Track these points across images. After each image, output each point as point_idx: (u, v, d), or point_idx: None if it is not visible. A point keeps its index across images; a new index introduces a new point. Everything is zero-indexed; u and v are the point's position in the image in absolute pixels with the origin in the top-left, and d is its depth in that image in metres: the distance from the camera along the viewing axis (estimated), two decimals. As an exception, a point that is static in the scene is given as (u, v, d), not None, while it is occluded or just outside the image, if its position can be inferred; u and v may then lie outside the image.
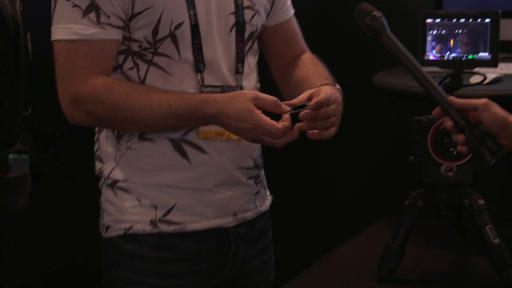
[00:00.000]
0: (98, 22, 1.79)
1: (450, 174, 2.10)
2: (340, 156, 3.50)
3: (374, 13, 1.75)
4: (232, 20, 1.90)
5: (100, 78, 1.80)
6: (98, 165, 1.96)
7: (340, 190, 3.53)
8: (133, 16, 1.81)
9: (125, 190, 1.90)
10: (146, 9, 1.80)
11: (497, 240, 2.06)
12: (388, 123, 3.39)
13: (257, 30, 1.97)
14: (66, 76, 1.80)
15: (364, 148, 3.47)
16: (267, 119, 1.75)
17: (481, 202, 2.12)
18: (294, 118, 1.79)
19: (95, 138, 1.98)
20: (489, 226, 2.09)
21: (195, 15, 1.83)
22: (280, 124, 1.75)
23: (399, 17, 3.06)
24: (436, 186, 2.12)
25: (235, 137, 1.89)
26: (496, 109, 1.72)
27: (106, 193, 1.94)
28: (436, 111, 1.78)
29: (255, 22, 1.95)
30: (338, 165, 3.51)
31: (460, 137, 1.75)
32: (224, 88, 1.89)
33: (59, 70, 1.81)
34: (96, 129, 1.97)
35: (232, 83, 1.91)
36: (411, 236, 2.12)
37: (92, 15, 1.79)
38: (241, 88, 1.92)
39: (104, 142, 1.93)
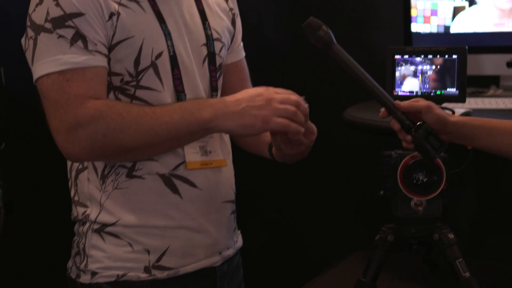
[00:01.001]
0: (87, 49, 1.75)
1: (420, 208, 2.12)
2: (312, 190, 3.51)
3: (323, 27, 1.80)
4: (204, 51, 1.92)
5: (99, 100, 1.74)
6: (79, 210, 1.88)
7: (311, 225, 3.52)
8: (113, 46, 1.79)
9: (115, 235, 1.85)
10: (127, 38, 1.79)
11: (467, 274, 2.07)
12: (358, 157, 3.41)
13: (222, 63, 1.99)
14: (61, 108, 1.71)
15: (335, 182, 3.49)
16: None
17: (451, 236, 2.13)
18: None
19: (70, 183, 1.91)
20: (459, 259, 2.11)
21: (173, 45, 1.84)
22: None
23: (368, 53, 3.08)
24: (406, 221, 2.13)
25: (220, 164, 1.90)
26: (438, 110, 1.85)
27: (93, 239, 1.86)
28: (383, 112, 1.87)
29: (222, 54, 1.97)
30: (310, 199, 3.51)
31: (407, 137, 1.85)
32: None
33: (51, 105, 1.72)
34: (72, 172, 1.91)
35: None
36: (382, 270, 2.13)
37: (80, 43, 1.73)
38: None
39: (85, 185, 1.87)
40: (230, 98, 1.74)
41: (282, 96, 1.74)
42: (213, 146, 1.91)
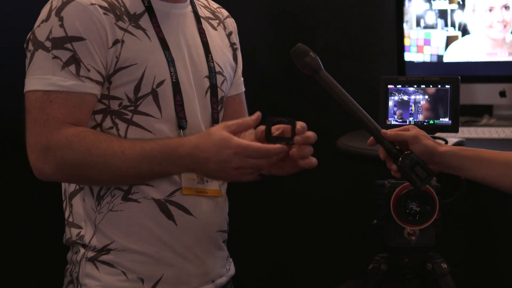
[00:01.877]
0: (77, 75, 1.75)
1: (413, 238, 2.11)
2: (305, 218, 3.50)
3: (311, 53, 1.80)
4: (206, 83, 1.93)
5: (73, 127, 1.76)
6: (73, 231, 1.87)
7: (304, 253, 3.52)
8: (116, 71, 1.80)
9: (109, 264, 1.84)
10: (130, 65, 1.80)
11: (460, 304, 2.07)
12: (351, 186, 3.40)
13: (224, 96, 2.00)
14: (39, 127, 1.73)
15: (328, 211, 3.48)
16: (248, 141, 1.71)
17: (444, 265, 2.14)
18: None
19: (65, 204, 1.91)
20: (452, 289, 2.11)
21: (176, 72, 1.84)
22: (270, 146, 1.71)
23: (362, 82, 3.09)
24: (399, 250, 2.14)
25: (215, 194, 1.90)
26: (426, 141, 1.81)
27: (87, 268, 1.85)
28: (370, 141, 1.85)
29: (224, 87, 1.98)
30: (303, 228, 3.51)
31: (392, 166, 1.83)
32: None
33: (31, 121, 1.74)
34: (67, 193, 1.91)
35: None
36: (375, 300, 2.12)
37: (72, 68, 1.74)
38: None
39: (80, 205, 1.86)
40: (201, 154, 1.69)
41: (251, 163, 1.69)
42: None
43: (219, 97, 1.95)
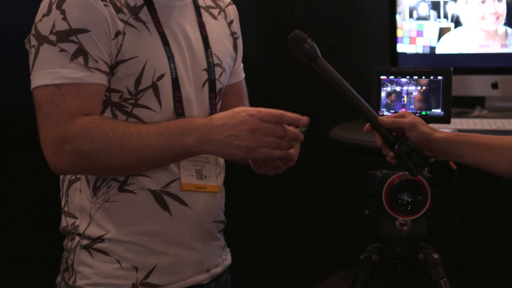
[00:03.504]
0: (87, 66, 1.74)
1: (405, 228, 2.12)
2: (298, 209, 3.52)
3: (308, 40, 1.79)
4: (204, 76, 1.92)
5: (88, 116, 1.74)
6: (69, 220, 1.88)
7: (297, 244, 3.52)
8: (117, 63, 1.80)
9: (103, 252, 1.84)
10: (131, 58, 1.80)
11: (451, 294, 2.08)
12: (344, 177, 3.40)
13: (223, 88, 2.00)
14: (52, 121, 1.72)
15: (320, 201, 3.49)
16: None
17: (436, 256, 2.14)
18: None
19: (61, 193, 1.91)
20: (443, 279, 2.11)
21: (175, 68, 1.84)
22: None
23: (354, 73, 3.09)
24: (391, 240, 2.14)
25: (213, 189, 1.91)
26: (422, 128, 1.82)
27: (81, 255, 1.86)
28: (367, 127, 1.86)
29: (222, 79, 1.98)
30: (296, 218, 3.51)
31: (389, 153, 1.84)
32: None
33: (43, 117, 1.73)
34: (64, 183, 1.91)
35: None
36: (367, 290, 2.13)
37: (80, 59, 1.74)
38: None
39: (76, 196, 1.87)
40: (216, 122, 1.73)
41: (267, 127, 1.72)
42: (209, 171, 1.91)
43: (217, 89, 1.95)
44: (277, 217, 3.54)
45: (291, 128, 1.75)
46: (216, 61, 1.95)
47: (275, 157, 1.76)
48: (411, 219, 2.12)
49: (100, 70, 1.77)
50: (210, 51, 1.93)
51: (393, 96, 2.05)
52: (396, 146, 1.82)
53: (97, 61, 1.76)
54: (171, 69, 1.84)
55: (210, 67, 1.92)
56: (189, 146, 1.74)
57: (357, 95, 1.81)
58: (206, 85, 1.92)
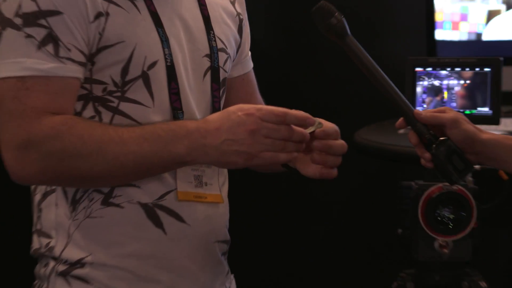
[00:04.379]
0: (57, 55, 1.72)
1: (446, 251, 2.13)
2: (317, 227, 3.52)
3: (336, 14, 1.79)
4: (206, 63, 1.92)
5: (58, 116, 1.71)
6: (42, 241, 1.86)
7: (316, 267, 3.53)
8: (99, 50, 1.79)
9: (83, 279, 1.83)
10: (117, 43, 1.80)
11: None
12: (372, 188, 3.41)
13: (226, 77, 1.99)
14: (15, 120, 1.70)
15: (343, 218, 3.49)
16: None
17: (483, 284, 2.14)
18: None
19: (33, 207, 1.89)
20: (492, 312, 2.12)
21: (171, 54, 1.84)
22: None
23: (384, 65, 3.09)
24: (429, 265, 2.15)
25: (215, 199, 1.91)
26: (466, 125, 1.81)
27: (57, 284, 1.83)
28: (400, 122, 1.85)
29: (227, 67, 1.97)
30: (314, 237, 3.53)
31: (425, 153, 1.82)
32: None
33: (4, 115, 1.71)
34: (36, 195, 1.89)
35: None
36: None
37: (50, 47, 1.72)
38: None
39: (52, 210, 1.85)
40: (210, 125, 1.74)
41: (269, 127, 1.72)
42: (211, 177, 1.91)
43: (221, 79, 1.96)
44: (290, 236, 3.55)
45: (298, 128, 1.75)
46: (220, 45, 1.95)
47: (282, 162, 1.76)
48: (453, 239, 2.13)
49: (73, 61, 1.76)
50: (213, 33, 1.94)
51: (431, 92, 2.06)
52: (434, 146, 1.81)
53: (70, 50, 1.75)
54: (165, 55, 1.84)
55: (213, 53, 1.93)
56: (179, 155, 1.75)
57: (391, 83, 1.82)
58: (208, 74, 1.92)
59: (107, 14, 1.78)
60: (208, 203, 1.90)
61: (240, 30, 2.03)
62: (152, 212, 1.85)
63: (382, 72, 1.81)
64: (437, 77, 2.06)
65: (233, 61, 2.01)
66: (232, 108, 1.74)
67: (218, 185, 1.93)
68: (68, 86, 1.76)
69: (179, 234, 1.87)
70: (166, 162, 1.75)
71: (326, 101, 3.37)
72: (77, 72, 1.77)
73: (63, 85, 1.75)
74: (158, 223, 1.85)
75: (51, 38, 1.74)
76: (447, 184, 2.09)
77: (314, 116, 1.77)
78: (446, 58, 2.08)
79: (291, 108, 1.75)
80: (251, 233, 3.48)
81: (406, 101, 1.83)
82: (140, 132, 1.74)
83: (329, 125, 1.82)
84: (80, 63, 1.77)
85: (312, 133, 1.77)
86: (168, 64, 1.84)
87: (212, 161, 1.76)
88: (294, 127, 1.73)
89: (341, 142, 1.80)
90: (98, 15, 1.78)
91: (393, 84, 1.81)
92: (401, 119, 1.84)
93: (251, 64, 2.11)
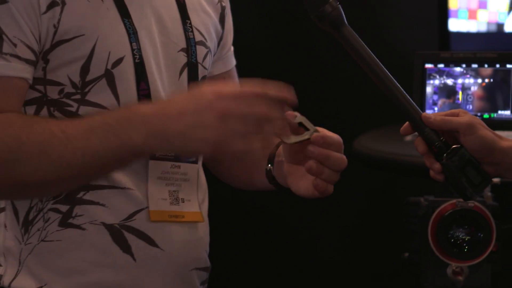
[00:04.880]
0: (0, 51, 1.76)
1: (460, 278, 2.13)
2: (312, 250, 3.53)
3: (331, 0, 1.78)
4: (182, 59, 1.93)
5: None
6: None
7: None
8: (54, 46, 1.80)
9: None
10: (75, 37, 1.80)
11: None
12: (374, 205, 3.42)
13: (206, 75, 1.99)
14: None
15: (342, 239, 3.50)
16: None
17: (504, 317, 2.15)
18: None
19: None
20: None
21: (139, 49, 1.85)
22: None
23: (389, 59, 3.09)
24: (441, 295, 2.15)
25: (194, 218, 1.91)
26: (483, 131, 1.79)
27: None
28: (405, 127, 1.83)
29: (207, 63, 1.97)
30: (310, 262, 3.52)
31: (435, 164, 1.80)
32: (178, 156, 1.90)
33: None
34: None
35: None
36: None
37: None
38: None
39: (0, 232, 1.87)
40: (172, 108, 1.70)
41: (242, 111, 1.68)
42: (188, 192, 1.91)
43: (200, 77, 1.95)
44: (283, 259, 3.54)
45: (277, 107, 1.70)
46: (198, 37, 1.94)
47: (256, 149, 1.71)
48: (469, 265, 2.13)
49: (19, 58, 1.76)
50: (190, 23, 1.93)
51: (443, 92, 2.05)
52: (445, 155, 1.78)
53: (15, 45, 1.75)
54: (133, 50, 1.83)
55: (190, 46, 1.93)
56: (135, 145, 1.70)
57: (394, 81, 1.80)
58: (185, 72, 1.92)
59: (63, 3, 1.78)
60: (185, 223, 1.90)
61: (222, 20, 2.04)
62: (118, 234, 1.84)
63: (385, 69, 1.79)
64: (450, 75, 2.06)
65: (213, 55, 2.01)
66: (199, 88, 1.69)
67: (198, 202, 1.93)
68: (11, 87, 1.76)
69: (151, 260, 1.86)
70: (121, 154, 1.72)
71: (321, 103, 3.38)
72: (23, 71, 1.77)
73: (5, 85, 1.76)
74: (126, 248, 1.85)
75: None
76: (461, 200, 2.10)
77: (310, 121, 1.75)
78: (461, 52, 2.07)
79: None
80: (235, 258, 3.48)
81: (413, 103, 1.81)
82: (87, 124, 1.71)
83: (331, 134, 1.79)
84: (28, 61, 1.77)
85: (306, 140, 1.75)
86: (137, 60, 1.83)
87: (174, 149, 1.74)
88: (271, 106, 1.69)
89: (341, 155, 1.78)
90: (52, 5, 1.77)
91: (396, 83, 1.79)
92: (406, 124, 1.81)
93: (234, 61, 2.10)
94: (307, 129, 1.77)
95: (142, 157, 1.79)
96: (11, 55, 1.75)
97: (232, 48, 2.08)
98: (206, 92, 1.69)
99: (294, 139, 1.76)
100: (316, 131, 1.77)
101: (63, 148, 1.71)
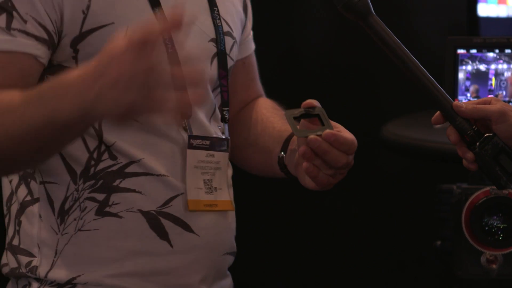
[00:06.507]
0: (7, 28, 1.74)
1: (494, 266, 2.14)
2: (338, 237, 3.52)
3: None
4: (212, 49, 1.94)
5: None
6: (21, 259, 1.87)
7: (337, 284, 3.53)
8: (84, 35, 1.80)
9: None
10: (103, 26, 1.81)
11: None
12: (404, 193, 3.40)
13: (232, 66, 2.01)
14: None
15: (371, 228, 3.48)
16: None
17: (539, 306, 2.15)
18: None
19: (8, 219, 1.90)
20: None
21: (171, 39, 1.83)
22: None
23: (415, 46, 3.09)
24: (475, 283, 2.16)
25: (226, 207, 1.93)
26: None
27: None
28: (436, 117, 1.82)
29: (233, 54, 1.99)
30: (335, 248, 3.53)
31: (467, 153, 1.80)
32: (213, 141, 1.90)
33: None
34: (12, 205, 1.90)
35: (218, 133, 1.93)
36: None
37: (2, 19, 1.75)
38: (228, 141, 1.95)
39: (35, 224, 1.87)
40: (93, 68, 1.53)
41: (146, 63, 1.50)
42: (220, 181, 1.93)
43: (228, 67, 1.96)
44: (305, 246, 3.54)
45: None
46: (225, 28, 1.95)
47: (170, 116, 1.54)
48: (504, 253, 2.14)
49: (27, 33, 1.74)
50: (217, 11, 1.94)
51: (476, 78, 2.05)
52: (478, 144, 1.78)
53: (25, 22, 1.74)
54: (165, 40, 1.79)
55: (219, 34, 1.93)
56: (65, 115, 1.58)
57: (423, 70, 1.79)
58: (215, 61, 1.93)
59: None
60: (216, 212, 1.92)
61: (245, 8, 2.05)
62: (156, 221, 1.85)
63: (414, 57, 1.78)
64: (483, 61, 2.05)
65: (238, 46, 2.02)
66: (111, 42, 1.55)
67: (228, 190, 1.95)
68: (11, 62, 1.75)
69: (187, 247, 1.88)
70: (55, 126, 1.61)
71: (348, 91, 3.36)
72: (30, 47, 1.76)
73: (5, 60, 1.75)
74: (163, 234, 1.86)
75: (3, 9, 1.74)
76: (494, 187, 2.09)
77: (330, 117, 1.75)
78: (493, 37, 2.06)
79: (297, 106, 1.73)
80: (257, 243, 3.48)
81: (443, 92, 1.80)
82: (28, 94, 1.64)
83: (345, 134, 1.79)
84: (38, 38, 1.76)
85: (319, 136, 1.75)
86: (170, 51, 1.81)
87: (102, 116, 1.59)
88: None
89: (341, 154, 1.77)
90: None
91: (426, 72, 1.79)
92: (437, 114, 1.80)
93: (253, 46, 2.11)
94: (323, 124, 1.77)
95: (78, 131, 1.67)
96: (19, 30, 1.74)
97: (251, 32, 2.09)
98: (111, 47, 1.52)
99: (305, 133, 1.76)
100: (330, 127, 1.76)
101: (6, 119, 1.63)
